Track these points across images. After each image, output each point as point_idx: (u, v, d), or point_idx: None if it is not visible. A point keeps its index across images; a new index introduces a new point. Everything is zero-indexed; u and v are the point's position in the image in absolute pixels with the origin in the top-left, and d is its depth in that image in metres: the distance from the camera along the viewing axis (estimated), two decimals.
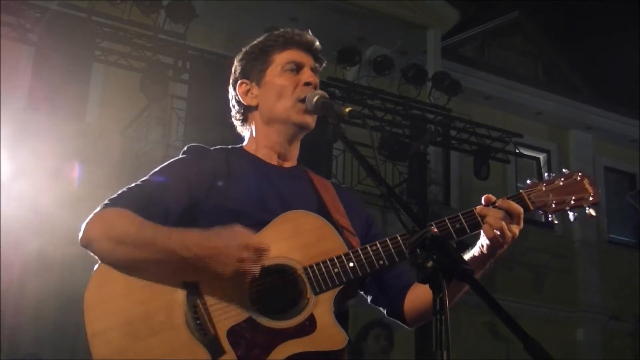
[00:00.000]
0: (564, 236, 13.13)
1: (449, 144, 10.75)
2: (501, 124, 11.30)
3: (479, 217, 1.97)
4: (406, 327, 2.20)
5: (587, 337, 12.90)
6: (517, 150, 10.86)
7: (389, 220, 10.17)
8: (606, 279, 13.27)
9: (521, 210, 1.97)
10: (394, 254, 1.94)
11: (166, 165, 2.09)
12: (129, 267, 1.88)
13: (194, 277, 1.88)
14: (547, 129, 14.06)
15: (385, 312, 2.19)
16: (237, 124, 2.25)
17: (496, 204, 1.99)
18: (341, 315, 1.95)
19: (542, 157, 14.18)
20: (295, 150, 2.21)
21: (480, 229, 1.97)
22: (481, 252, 1.98)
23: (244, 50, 2.23)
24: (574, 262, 13.20)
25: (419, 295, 2.11)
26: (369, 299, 2.18)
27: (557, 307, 12.68)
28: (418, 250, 1.60)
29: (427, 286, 2.04)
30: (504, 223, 1.93)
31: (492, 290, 1.54)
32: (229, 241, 1.81)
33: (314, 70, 2.17)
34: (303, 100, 2.09)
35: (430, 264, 1.58)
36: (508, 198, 2.02)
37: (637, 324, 12.94)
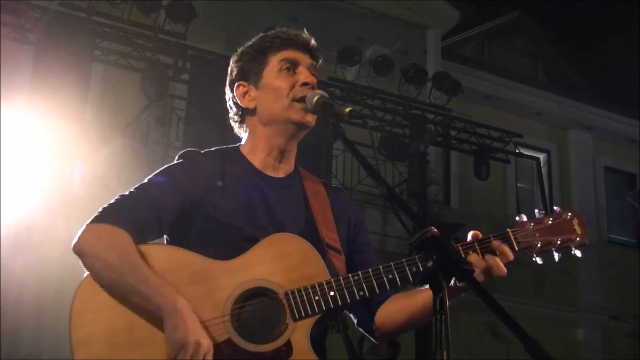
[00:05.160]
0: None
1: (449, 144, 10.75)
2: (501, 124, 11.30)
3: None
4: (373, 339, 2.22)
5: (587, 337, 12.91)
6: (517, 150, 10.86)
7: (389, 220, 10.18)
8: (606, 279, 13.27)
9: (504, 273, 1.95)
10: (375, 285, 1.95)
11: (161, 171, 2.09)
12: (109, 291, 1.90)
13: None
14: (547, 129, 14.07)
15: (355, 321, 2.20)
16: (234, 125, 2.25)
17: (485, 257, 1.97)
18: (320, 337, 1.97)
19: (542, 157, 14.18)
20: (292, 153, 2.20)
21: None
22: (456, 286, 1.96)
23: (240, 51, 2.22)
24: (574, 262, 13.15)
25: (392, 311, 2.13)
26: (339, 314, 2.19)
27: (557, 307, 12.69)
28: (418, 250, 1.60)
29: (400, 303, 2.10)
30: (483, 277, 1.94)
31: (492, 290, 1.54)
32: (187, 331, 1.81)
33: (311, 68, 2.16)
34: (300, 100, 2.08)
35: (430, 264, 1.58)
36: (495, 237, 2.00)
37: (637, 324, 12.95)
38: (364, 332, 2.20)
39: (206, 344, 1.81)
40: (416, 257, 1.93)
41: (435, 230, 1.62)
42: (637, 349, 12.85)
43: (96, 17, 8.40)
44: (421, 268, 1.91)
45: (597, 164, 14.25)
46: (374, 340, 2.24)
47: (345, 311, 2.19)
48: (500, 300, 1.51)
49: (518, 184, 13.65)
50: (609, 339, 13.02)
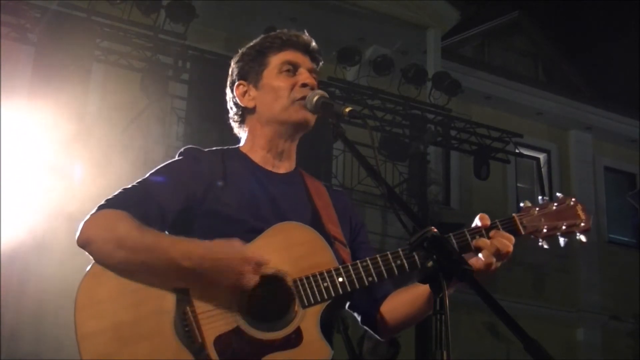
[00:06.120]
0: None
1: (449, 144, 10.75)
2: (501, 124, 11.29)
3: (470, 241, 1.98)
4: (377, 336, 2.22)
5: (587, 337, 12.90)
6: (517, 150, 10.85)
7: (389, 220, 10.17)
8: (606, 279, 13.26)
9: (510, 249, 1.97)
10: (384, 271, 1.94)
11: (162, 167, 2.09)
12: (125, 270, 1.88)
13: (187, 285, 1.88)
14: (547, 129, 14.06)
15: (359, 319, 2.20)
16: (234, 125, 2.25)
17: (490, 235, 1.98)
18: (327, 327, 1.96)
19: (542, 157, 14.18)
20: (292, 152, 2.21)
21: (470, 251, 1.97)
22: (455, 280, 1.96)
23: (240, 51, 2.24)
24: (574, 262, 13.20)
25: (396, 305, 2.13)
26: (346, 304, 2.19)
27: (557, 307, 12.68)
28: (418, 250, 1.60)
29: (403, 296, 2.10)
30: (494, 259, 1.94)
31: (492, 290, 1.54)
32: (230, 254, 1.83)
33: (311, 71, 2.17)
34: (299, 100, 2.09)
35: (430, 263, 1.58)
36: (501, 222, 2.02)
37: (637, 324, 12.94)
38: (368, 329, 2.19)
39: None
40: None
41: (436, 230, 1.62)
42: (637, 349, 12.84)
43: (96, 17, 8.40)
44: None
45: (597, 164, 14.24)
46: (378, 337, 2.23)
47: (349, 309, 2.19)
48: (500, 300, 1.51)
49: (518, 184, 13.65)
50: (609, 339, 13.01)
